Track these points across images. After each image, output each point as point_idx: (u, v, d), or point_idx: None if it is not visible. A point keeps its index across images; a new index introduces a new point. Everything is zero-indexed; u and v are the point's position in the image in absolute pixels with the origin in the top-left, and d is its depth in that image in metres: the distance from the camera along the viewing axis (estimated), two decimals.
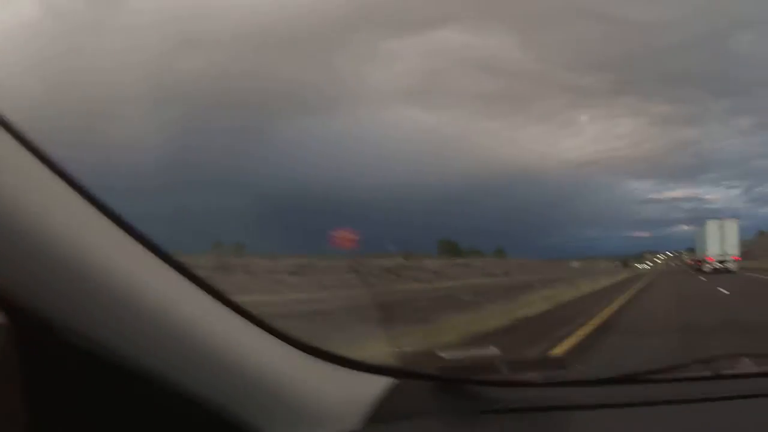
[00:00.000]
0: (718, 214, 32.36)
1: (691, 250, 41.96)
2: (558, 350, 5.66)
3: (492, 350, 0.86)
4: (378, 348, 2.29)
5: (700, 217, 29.42)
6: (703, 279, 21.74)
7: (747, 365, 1.02)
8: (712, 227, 27.09)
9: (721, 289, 14.19)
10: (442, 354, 0.89)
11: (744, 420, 0.81)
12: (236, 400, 0.61)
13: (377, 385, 0.82)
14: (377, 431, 0.76)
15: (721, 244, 25.99)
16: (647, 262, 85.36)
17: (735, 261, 25.69)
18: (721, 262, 25.49)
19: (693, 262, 30.82)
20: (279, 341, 0.70)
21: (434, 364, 0.90)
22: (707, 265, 25.81)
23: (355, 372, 0.82)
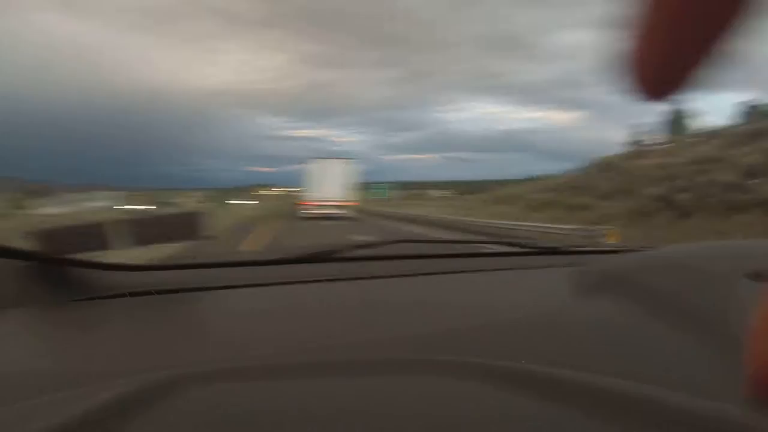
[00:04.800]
0: (346, 156, 28.38)
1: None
2: None
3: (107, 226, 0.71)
4: None
5: (327, 157, 22.53)
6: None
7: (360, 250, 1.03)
8: (322, 166, 21.44)
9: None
10: (48, 228, 0.72)
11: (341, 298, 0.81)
12: None
13: None
14: None
15: (332, 186, 20.91)
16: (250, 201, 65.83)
17: (349, 206, 20.94)
18: (333, 206, 20.47)
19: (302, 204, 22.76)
20: None
21: (37, 240, 0.71)
22: (314, 210, 20.34)
23: None
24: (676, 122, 37.59)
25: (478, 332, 0.57)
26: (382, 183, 37.42)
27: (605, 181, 17.83)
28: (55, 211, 23.57)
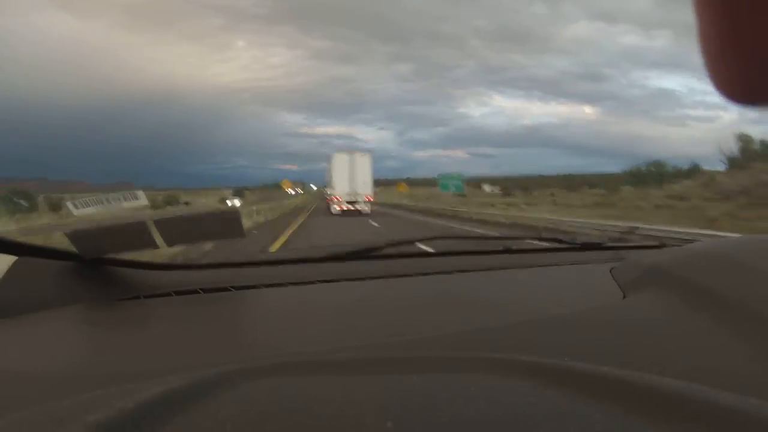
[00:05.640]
0: (369, 151, 26.02)
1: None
2: None
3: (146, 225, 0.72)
4: None
5: (349, 150, 22.15)
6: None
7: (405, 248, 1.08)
8: (340, 161, 21.20)
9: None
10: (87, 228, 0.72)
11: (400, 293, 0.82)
12: None
13: None
14: None
15: (351, 181, 20.76)
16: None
17: (367, 202, 20.84)
18: (350, 202, 20.57)
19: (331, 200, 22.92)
20: None
21: (80, 240, 0.71)
22: (334, 206, 20.69)
23: None
24: None
25: (524, 329, 0.57)
26: (454, 174, 30.00)
27: None
28: (91, 211, 24.21)
